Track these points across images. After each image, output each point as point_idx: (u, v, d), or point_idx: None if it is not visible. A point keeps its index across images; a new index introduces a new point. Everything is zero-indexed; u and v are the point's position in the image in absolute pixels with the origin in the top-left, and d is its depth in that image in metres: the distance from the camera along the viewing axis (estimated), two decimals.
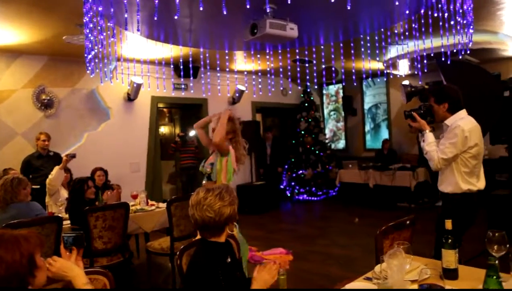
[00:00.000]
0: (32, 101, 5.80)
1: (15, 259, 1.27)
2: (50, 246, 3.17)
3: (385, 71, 7.95)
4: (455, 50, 4.23)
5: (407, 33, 4.57)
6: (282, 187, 8.85)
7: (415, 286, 1.79)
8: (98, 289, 1.65)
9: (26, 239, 1.34)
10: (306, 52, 5.90)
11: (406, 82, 7.76)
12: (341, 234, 6.06)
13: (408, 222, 2.43)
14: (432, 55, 4.23)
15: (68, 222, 3.66)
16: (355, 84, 9.01)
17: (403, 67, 7.50)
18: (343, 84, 9.58)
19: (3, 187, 3.09)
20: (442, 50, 3.99)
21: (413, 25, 4.23)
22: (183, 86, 7.23)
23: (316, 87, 10.20)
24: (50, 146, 5.27)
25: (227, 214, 1.65)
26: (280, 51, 5.72)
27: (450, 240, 1.91)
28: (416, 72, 7.39)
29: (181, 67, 5.48)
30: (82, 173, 4.94)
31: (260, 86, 7.44)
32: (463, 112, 2.79)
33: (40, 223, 3.12)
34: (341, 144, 10.09)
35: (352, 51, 5.57)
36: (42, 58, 5.90)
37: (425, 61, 4.63)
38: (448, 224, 1.94)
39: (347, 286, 1.93)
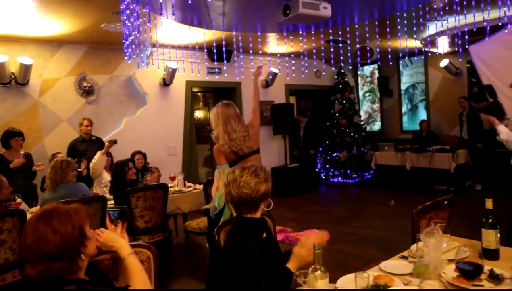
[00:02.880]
0: (75, 88, 6.09)
1: (68, 230, 1.38)
2: (97, 224, 3.36)
3: (423, 50, 7.64)
4: (500, 24, 4.00)
5: (447, 8, 4.35)
6: (316, 169, 8.82)
7: (453, 265, 1.77)
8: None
9: (76, 212, 1.46)
10: (340, 32, 5.78)
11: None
12: (376, 216, 6.00)
13: (446, 202, 2.39)
14: (474, 30, 4.03)
15: (112, 202, 3.87)
16: (391, 63, 8.73)
17: (443, 45, 7.18)
18: (379, 64, 9.32)
19: (54, 168, 3.31)
20: (485, 24, 3.78)
21: None
22: (216, 70, 7.31)
23: (350, 68, 9.97)
24: (92, 131, 5.53)
25: (263, 190, 1.70)
26: (313, 32, 5.64)
27: (490, 220, 1.87)
28: (456, 49, 7.09)
29: (215, 51, 5.52)
30: (122, 157, 5.15)
31: (293, 68, 7.38)
32: None
33: (87, 202, 3.32)
34: (376, 126, 9.86)
35: (388, 30, 5.38)
36: (82, 47, 6.14)
37: (466, 37, 4.41)
38: (489, 204, 1.90)
39: (381, 264, 1.94)
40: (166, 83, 6.82)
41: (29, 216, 3.38)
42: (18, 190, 4.23)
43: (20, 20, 4.76)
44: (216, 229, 2.01)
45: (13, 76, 5.47)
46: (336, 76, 9.21)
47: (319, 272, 1.42)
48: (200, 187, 4.67)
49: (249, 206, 1.73)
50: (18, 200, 3.70)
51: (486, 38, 4.12)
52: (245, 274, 1.61)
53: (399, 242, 4.62)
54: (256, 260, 1.61)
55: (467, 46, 4.32)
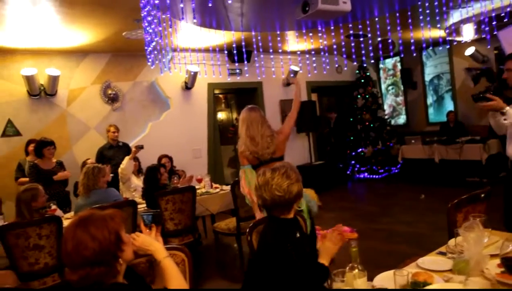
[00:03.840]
0: (100, 96, 6.24)
1: (105, 235, 1.41)
2: (128, 227, 3.43)
3: (447, 39, 7.40)
4: None
5: None
6: (341, 165, 8.72)
7: (496, 260, 1.70)
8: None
9: (112, 217, 1.48)
10: (360, 26, 5.68)
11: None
12: (406, 211, 5.87)
13: (482, 195, 2.31)
14: (502, 15, 3.87)
15: (142, 206, 3.94)
16: (414, 54, 8.53)
17: (468, 32, 6.94)
18: (401, 56, 9.11)
19: (86, 175, 3.40)
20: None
21: None
22: (237, 71, 7.33)
23: (372, 62, 9.80)
24: (119, 136, 5.65)
25: (296, 191, 1.69)
26: (332, 27, 5.57)
27: None
28: (484, 36, 6.84)
29: (235, 52, 5.54)
30: (149, 161, 5.25)
31: (314, 65, 7.32)
32: None
33: (118, 207, 3.38)
34: (401, 119, 9.65)
35: (410, 20, 5.25)
36: (106, 56, 6.29)
37: (494, 23, 4.25)
38: None
39: (419, 261, 1.89)
40: (188, 86, 6.89)
41: (64, 221, 3.49)
42: (53, 197, 4.36)
43: (46, 33, 4.92)
44: (248, 230, 2.01)
45: (42, 87, 5.66)
46: (357, 71, 9.07)
47: (356, 270, 1.40)
48: (227, 187, 4.69)
49: (282, 208, 1.72)
50: (54, 207, 3.82)
51: None
52: (281, 276, 1.60)
53: (431, 236, 4.51)
54: (292, 260, 1.60)
55: (495, 32, 4.16)
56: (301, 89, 8.27)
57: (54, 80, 5.61)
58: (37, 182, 3.85)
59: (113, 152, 5.50)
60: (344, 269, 1.43)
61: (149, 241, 1.62)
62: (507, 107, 2.60)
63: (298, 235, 1.74)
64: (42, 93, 5.70)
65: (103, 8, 4.29)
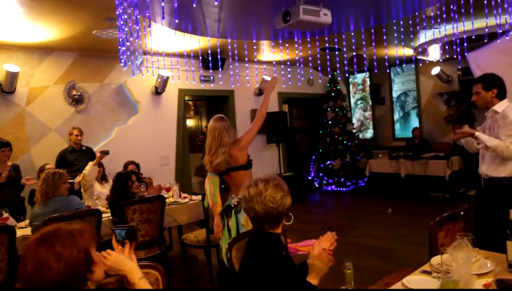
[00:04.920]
0: (64, 97, 5.89)
1: (73, 254, 1.23)
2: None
3: (413, 58, 7.65)
4: (500, 32, 4.00)
5: (444, 16, 4.35)
6: (310, 177, 8.74)
7: (482, 280, 1.68)
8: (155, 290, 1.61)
9: (81, 233, 1.31)
10: (336, 40, 5.74)
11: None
12: (373, 224, 5.92)
13: (462, 213, 2.31)
14: (473, 37, 4.02)
15: (106, 215, 3.69)
16: (388, 70, 8.80)
17: (434, 53, 7.22)
18: (370, 72, 9.34)
19: (45, 180, 3.12)
20: (487, 30, 3.76)
21: (452, 6, 4.02)
22: (211, 78, 7.19)
23: (346, 75, 9.98)
24: (82, 140, 5.33)
25: (288, 203, 1.60)
26: (309, 39, 5.59)
27: None
28: (448, 56, 7.14)
29: (210, 58, 5.41)
30: (114, 167, 4.99)
31: (288, 76, 7.32)
32: (508, 100, 2.85)
33: (81, 216, 3.14)
34: (369, 133, 9.86)
35: (384, 37, 5.37)
36: (71, 55, 5.96)
37: (465, 44, 4.41)
38: None
39: (404, 280, 1.83)
40: (158, 91, 6.66)
41: (18, 231, 3.19)
42: (5, 204, 4.01)
43: (6, 26, 4.58)
44: (227, 246, 1.88)
45: None
46: (328, 84, 9.18)
47: None
48: (196, 197, 4.52)
49: (274, 221, 1.61)
50: (6, 215, 3.50)
51: (486, 46, 4.12)
52: None
53: (400, 251, 4.55)
54: (283, 278, 1.48)
55: (465, 54, 4.31)
56: (271, 100, 8.24)
57: (12, 76, 5.22)
58: None
59: (75, 156, 5.17)
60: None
61: (123, 260, 1.46)
62: (477, 133, 2.81)
63: (284, 252, 1.63)
64: None
65: (71, 3, 4.05)
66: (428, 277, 1.84)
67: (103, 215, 3.50)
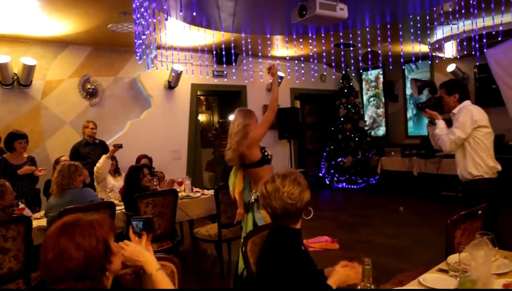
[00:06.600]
0: (78, 90, 5.95)
1: (92, 245, 1.24)
2: None
3: (429, 54, 7.52)
4: None
5: (463, 11, 4.26)
6: (321, 174, 8.70)
7: (502, 280, 1.65)
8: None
9: (100, 224, 1.31)
10: (351, 36, 5.67)
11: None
12: (386, 223, 5.87)
13: (479, 212, 2.27)
14: (493, 33, 3.94)
15: (119, 208, 3.72)
16: (403, 67, 8.67)
17: (450, 49, 7.08)
18: (384, 69, 9.23)
19: (61, 173, 3.16)
20: (501, 28, 3.68)
21: (471, 1, 3.94)
22: (225, 72, 7.19)
23: (360, 72, 9.88)
24: (96, 134, 5.38)
25: (307, 198, 1.58)
26: (323, 34, 5.53)
27: None
28: (466, 53, 7.00)
29: (223, 53, 5.40)
30: (127, 160, 5.03)
31: (301, 72, 7.28)
32: (469, 101, 3.03)
33: (95, 208, 3.18)
34: (381, 131, 9.76)
35: (400, 33, 5.30)
36: (86, 48, 6.01)
37: (484, 40, 4.32)
38: None
39: (420, 278, 1.81)
40: (171, 86, 6.69)
41: (33, 222, 3.24)
42: (21, 195, 4.07)
43: (24, 20, 4.64)
44: (242, 240, 1.87)
45: (15, 77, 5.33)
46: (341, 81, 9.11)
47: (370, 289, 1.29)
48: (208, 192, 4.53)
49: (293, 216, 1.60)
50: (22, 205, 3.55)
51: (506, 42, 4.02)
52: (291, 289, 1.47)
53: (412, 250, 4.51)
54: (303, 274, 1.47)
55: (484, 50, 4.23)
56: (280, 94, 8.21)
57: (29, 70, 5.29)
58: (3, 178, 3.56)
59: (89, 149, 5.23)
60: (355, 287, 1.33)
61: (140, 251, 1.46)
62: (439, 120, 3.03)
63: (303, 248, 1.62)
64: (15, 83, 5.36)
65: None
66: (445, 276, 1.81)
67: (117, 208, 3.52)
